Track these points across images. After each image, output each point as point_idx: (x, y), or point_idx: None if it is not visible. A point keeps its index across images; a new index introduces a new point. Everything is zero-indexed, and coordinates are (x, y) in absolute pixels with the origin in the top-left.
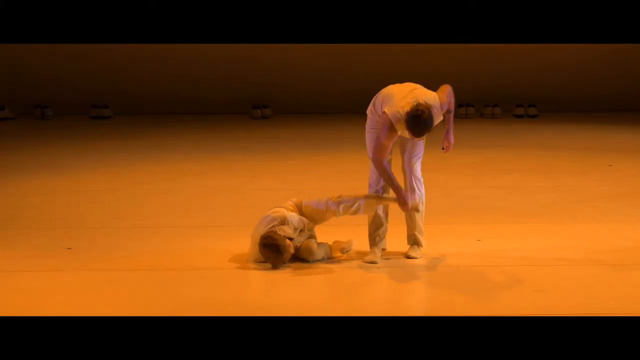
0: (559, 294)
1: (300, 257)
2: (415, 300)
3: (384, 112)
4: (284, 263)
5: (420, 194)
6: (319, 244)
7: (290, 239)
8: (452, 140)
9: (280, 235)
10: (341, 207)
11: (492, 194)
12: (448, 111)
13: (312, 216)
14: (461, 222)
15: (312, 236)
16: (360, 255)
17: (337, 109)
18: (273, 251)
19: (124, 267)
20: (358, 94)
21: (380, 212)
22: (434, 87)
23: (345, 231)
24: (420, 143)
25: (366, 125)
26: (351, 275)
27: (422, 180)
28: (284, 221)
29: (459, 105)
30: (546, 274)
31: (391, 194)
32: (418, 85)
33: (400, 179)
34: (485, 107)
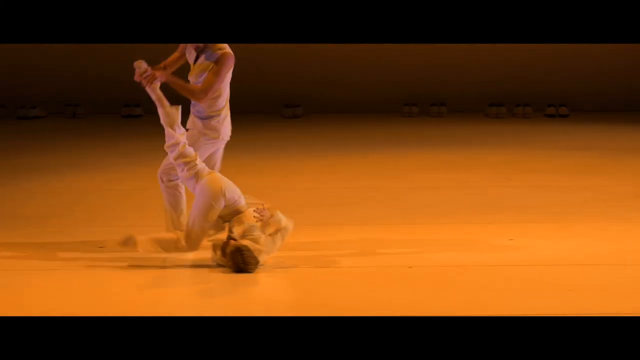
0: (590, 294)
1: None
2: (446, 300)
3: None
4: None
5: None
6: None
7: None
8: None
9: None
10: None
11: (523, 193)
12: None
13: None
14: (492, 222)
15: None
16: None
17: (370, 108)
18: (239, 264)
19: (154, 264)
20: (390, 93)
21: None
22: (467, 86)
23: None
24: None
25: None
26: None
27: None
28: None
29: (489, 104)
30: (578, 274)
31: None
32: None
33: None
34: (516, 106)
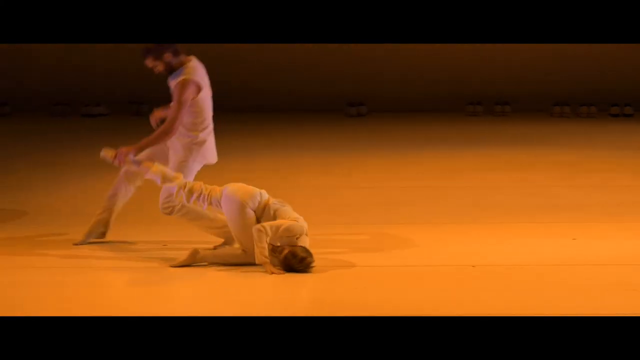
0: None
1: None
2: (509, 299)
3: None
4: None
5: None
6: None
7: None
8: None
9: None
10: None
11: (587, 193)
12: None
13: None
14: (556, 221)
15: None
16: None
17: (434, 107)
18: (296, 265)
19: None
20: (454, 92)
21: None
22: (532, 86)
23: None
24: None
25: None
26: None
27: None
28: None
29: (554, 104)
30: None
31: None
32: None
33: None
34: (581, 106)
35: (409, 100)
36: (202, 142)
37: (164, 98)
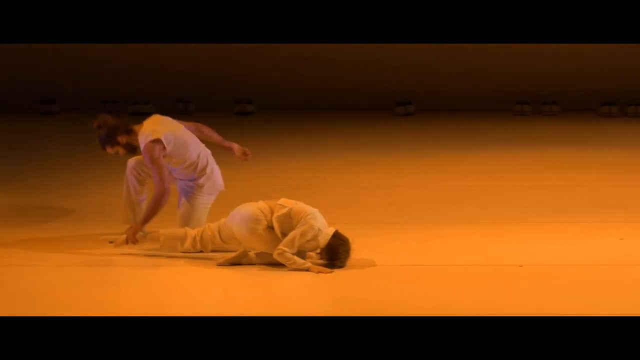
0: None
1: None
2: (554, 299)
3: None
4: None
5: None
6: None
7: None
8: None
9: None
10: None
11: (635, 193)
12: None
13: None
14: (604, 221)
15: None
16: None
17: (482, 106)
18: (337, 254)
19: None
20: (503, 91)
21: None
22: (580, 85)
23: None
24: None
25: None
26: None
27: None
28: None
29: (602, 103)
30: None
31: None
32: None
33: None
34: (628, 105)
35: (456, 100)
36: (204, 184)
37: (211, 97)
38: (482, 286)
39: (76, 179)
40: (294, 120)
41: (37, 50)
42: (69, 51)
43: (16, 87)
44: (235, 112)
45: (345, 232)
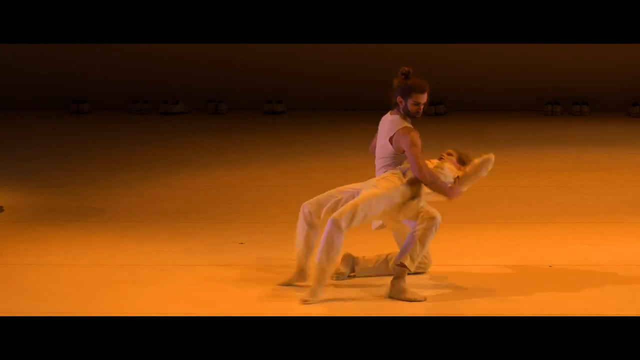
0: None
1: None
2: (584, 299)
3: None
4: None
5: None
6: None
7: None
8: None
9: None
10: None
11: None
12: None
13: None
14: (635, 222)
15: None
16: None
17: (512, 106)
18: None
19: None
20: (533, 91)
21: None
22: (611, 85)
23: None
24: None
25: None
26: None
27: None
28: None
29: (633, 104)
30: None
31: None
32: None
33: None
34: None
35: (487, 100)
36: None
37: (242, 96)
38: (511, 286)
39: (105, 179)
40: (325, 119)
41: (69, 50)
42: (100, 51)
43: (48, 86)
44: (265, 111)
45: (370, 232)
